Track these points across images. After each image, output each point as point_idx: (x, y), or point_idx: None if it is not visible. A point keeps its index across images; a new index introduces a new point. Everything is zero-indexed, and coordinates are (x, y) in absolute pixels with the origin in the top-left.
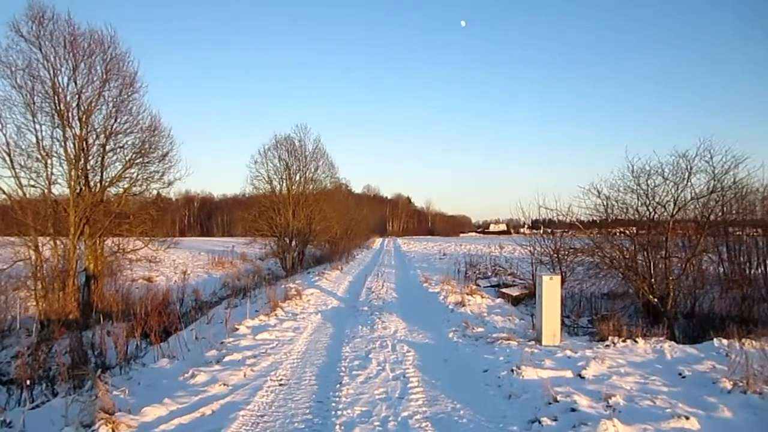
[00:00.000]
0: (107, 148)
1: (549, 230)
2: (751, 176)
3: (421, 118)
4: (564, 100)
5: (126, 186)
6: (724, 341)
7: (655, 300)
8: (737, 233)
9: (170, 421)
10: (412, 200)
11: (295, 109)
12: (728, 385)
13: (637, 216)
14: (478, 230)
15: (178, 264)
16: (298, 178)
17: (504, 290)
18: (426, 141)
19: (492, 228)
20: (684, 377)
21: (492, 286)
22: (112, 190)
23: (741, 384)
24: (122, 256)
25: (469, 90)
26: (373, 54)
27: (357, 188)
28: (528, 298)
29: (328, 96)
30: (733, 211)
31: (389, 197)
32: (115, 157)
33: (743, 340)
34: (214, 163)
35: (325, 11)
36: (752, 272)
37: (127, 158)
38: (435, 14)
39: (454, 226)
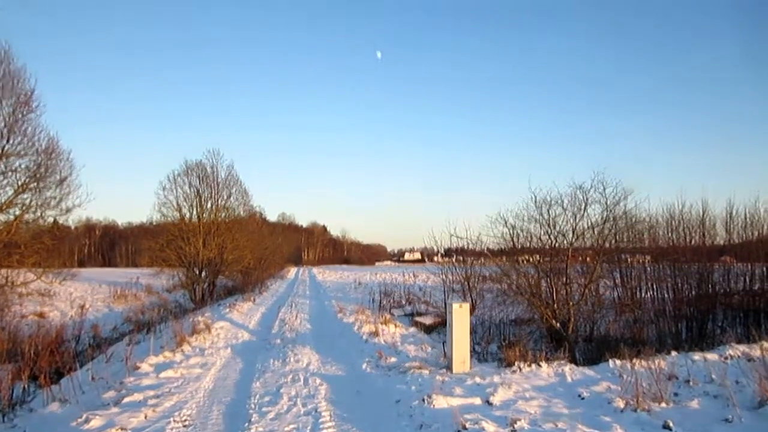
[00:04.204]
0: None
1: (461, 258)
2: (638, 207)
3: (337, 147)
4: (470, 130)
5: (17, 213)
6: (618, 362)
7: (558, 325)
8: (629, 260)
9: None
10: (327, 229)
11: (206, 135)
12: (621, 404)
13: (540, 244)
14: (394, 259)
15: (76, 298)
16: (209, 205)
17: (417, 319)
18: (342, 170)
19: (407, 257)
20: (583, 398)
21: (406, 315)
22: (1, 217)
23: (632, 403)
24: (11, 289)
25: (384, 119)
26: (287, 82)
27: (272, 216)
28: (441, 326)
29: (242, 123)
30: (625, 239)
31: (305, 226)
32: (5, 181)
33: (634, 360)
34: (118, 190)
35: (237, 34)
36: (642, 296)
37: (19, 182)
38: (353, 43)
39: (369, 254)
